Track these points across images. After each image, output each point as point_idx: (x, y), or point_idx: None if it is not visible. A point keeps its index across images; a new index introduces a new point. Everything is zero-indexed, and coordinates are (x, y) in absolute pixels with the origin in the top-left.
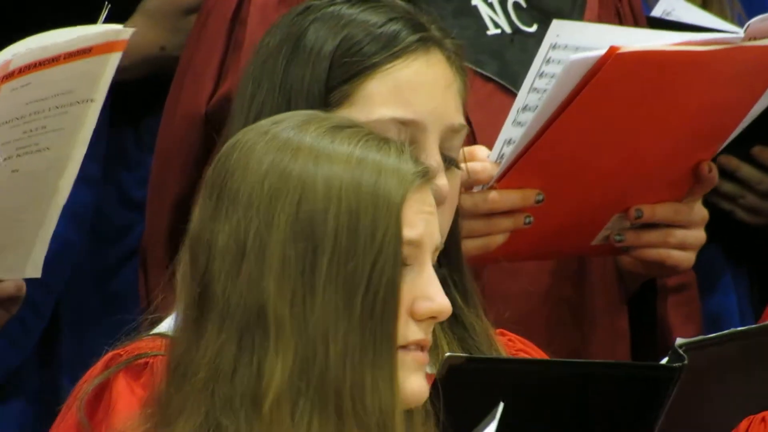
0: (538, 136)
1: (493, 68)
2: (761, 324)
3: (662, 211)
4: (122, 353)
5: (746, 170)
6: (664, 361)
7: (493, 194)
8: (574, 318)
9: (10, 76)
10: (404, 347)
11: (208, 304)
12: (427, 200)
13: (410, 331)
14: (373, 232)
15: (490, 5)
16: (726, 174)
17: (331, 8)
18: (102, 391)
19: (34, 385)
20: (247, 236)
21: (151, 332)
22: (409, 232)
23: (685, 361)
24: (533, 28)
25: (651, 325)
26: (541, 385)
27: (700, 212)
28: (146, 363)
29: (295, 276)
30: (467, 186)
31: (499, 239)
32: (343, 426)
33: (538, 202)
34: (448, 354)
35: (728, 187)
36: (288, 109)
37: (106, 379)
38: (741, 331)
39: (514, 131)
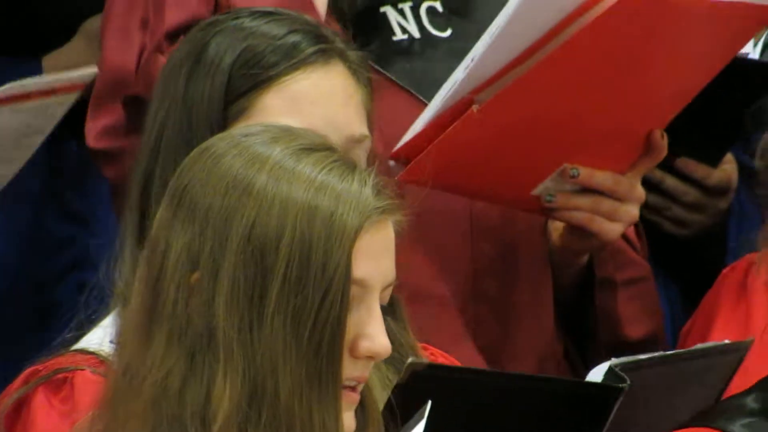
0: (518, 63)
1: (396, 72)
2: (692, 348)
3: (601, 177)
4: (41, 368)
5: (671, 182)
6: (599, 379)
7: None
8: (495, 314)
9: None
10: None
11: (158, 313)
12: (384, 236)
13: (349, 368)
14: (324, 265)
15: (401, 11)
16: (651, 186)
17: (234, 21)
18: (21, 406)
19: None
20: (201, 253)
21: (74, 347)
22: (358, 271)
23: (628, 382)
24: (447, 33)
25: (585, 320)
26: (493, 395)
27: (639, 190)
28: (65, 378)
29: (244, 301)
30: None
31: None
32: None
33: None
34: (411, 359)
35: (653, 199)
36: (189, 124)
37: (24, 395)
38: (674, 354)
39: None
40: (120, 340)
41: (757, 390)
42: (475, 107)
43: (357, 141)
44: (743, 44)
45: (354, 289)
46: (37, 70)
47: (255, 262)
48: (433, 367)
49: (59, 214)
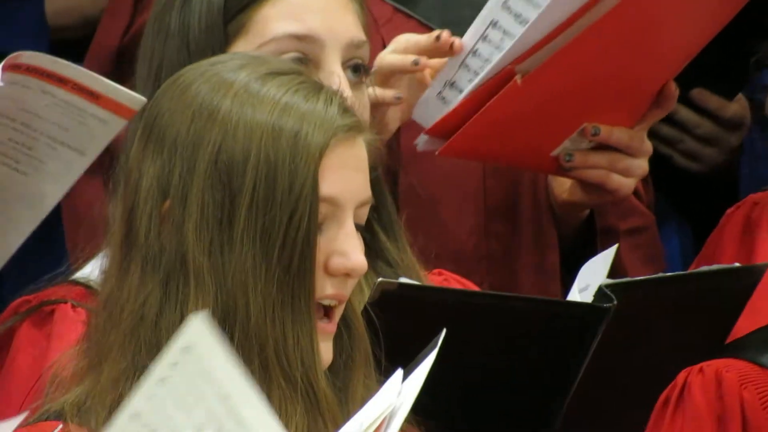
0: (557, 33)
1: (414, 7)
2: (690, 271)
3: (619, 134)
4: (32, 298)
5: (684, 113)
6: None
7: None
8: (504, 253)
9: (16, 68)
10: (317, 304)
11: (133, 244)
12: (353, 154)
13: (325, 286)
14: (291, 185)
15: None
16: (665, 117)
17: None
18: (8, 339)
19: None
20: (170, 180)
21: (69, 278)
22: (327, 189)
23: (614, 302)
24: None
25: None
26: (470, 316)
27: (648, 144)
28: (51, 310)
29: (213, 225)
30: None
31: None
32: (269, 379)
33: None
34: (380, 279)
35: (667, 130)
36: (188, 54)
37: (11, 327)
38: (670, 276)
39: (459, 75)
40: (104, 273)
41: None
42: (518, 77)
43: (357, 46)
44: None
45: (324, 207)
46: (38, 8)
47: (222, 186)
48: (403, 287)
49: None
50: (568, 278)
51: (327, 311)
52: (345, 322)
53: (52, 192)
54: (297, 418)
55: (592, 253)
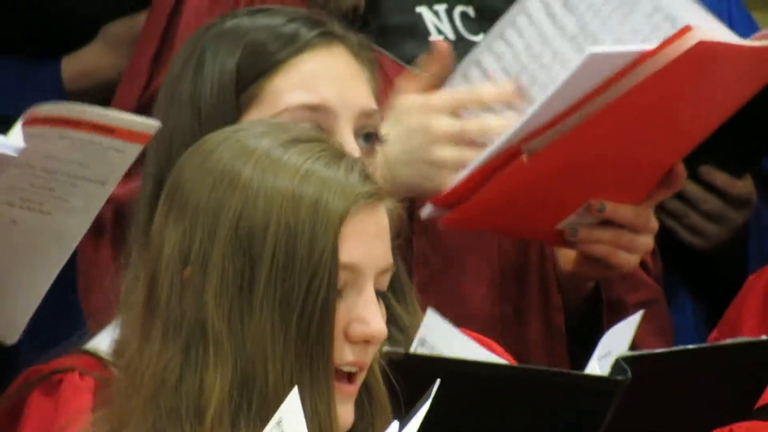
0: (567, 114)
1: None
2: (712, 344)
3: (624, 211)
4: (43, 369)
5: (691, 188)
6: (606, 372)
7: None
8: (514, 315)
9: (34, 122)
10: (338, 370)
11: (154, 310)
12: (373, 221)
13: (345, 353)
14: (311, 252)
15: (436, 13)
16: None
17: (233, 21)
18: (19, 407)
19: None
20: (191, 247)
21: (81, 348)
22: (347, 256)
23: (628, 375)
24: (479, 37)
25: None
26: (481, 387)
27: (654, 221)
28: (60, 380)
29: (233, 291)
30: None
31: None
32: None
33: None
34: (386, 348)
35: (672, 204)
36: (199, 120)
37: (20, 395)
38: (688, 349)
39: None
40: (122, 339)
41: None
42: (524, 156)
43: (368, 115)
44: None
45: (345, 274)
46: (55, 72)
47: (243, 253)
48: (410, 357)
49: None
50: (574, 348)
51: (349, 378)
52: (366, 389)
53: (77, 224)
54: None
55: (599, 325)
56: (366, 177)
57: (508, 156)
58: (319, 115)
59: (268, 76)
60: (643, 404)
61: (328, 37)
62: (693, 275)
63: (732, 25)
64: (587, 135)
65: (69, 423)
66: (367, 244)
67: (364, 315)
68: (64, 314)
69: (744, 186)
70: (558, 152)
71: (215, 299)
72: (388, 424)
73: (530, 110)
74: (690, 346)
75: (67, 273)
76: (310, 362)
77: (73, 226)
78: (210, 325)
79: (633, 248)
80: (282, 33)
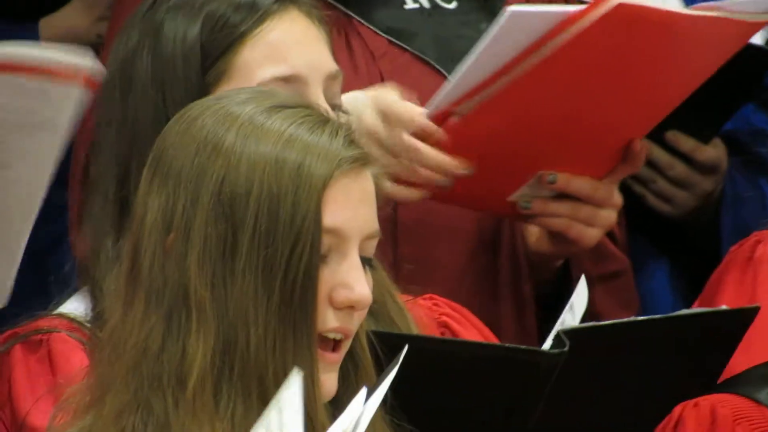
0: (498, 77)
1: (410, 41)
2: (660, 315)
3: (579, 183)
4: (20, 331)
5: (658, 153)
6: (547, 346)
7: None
8: (490, 287)
9: None
10: (322, 337)
11: (137, 278)
12: (358, 186)
13: (329, 318)
14: (293, 216)
15: None
16: None
17: None
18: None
19: None
20: (174, 214)
21: (53, 312)
22: (330, 220)
23: (566, 348)
24: (452, 5)
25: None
26: (430, 361)
27: (617, 196)
28: (41, 339)
29: (216, 257)
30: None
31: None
32: None
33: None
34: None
35: (641, 169)
36: (164, 102)
37: (2, 353)
38: (632, 321)
39: None
40: (104, 308)
41: None
42: (453, 118)
43: (334, 77)
44: (727, 57)
45: (329, 239)
46: (34, 34)
47: (225, 218)
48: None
49: (58, 181)
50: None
51: (334, 346)
52: (352, 358)
53: (37, 176)
54: None
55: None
56: (351, 142)
57: (438, 120)
58: (292, 85)
59: (234, 49)
60: (587, 376)
61: (284, 2)
62: (667, 242)
63: None
64: (517, 98)
65: (72, 378)
66: (351, 208)
67: (348, 280)
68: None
69: (711, 151)
70: (489, 116)
71: (198, 265)
72: None
73: (457, 72)
74: (638, 318)
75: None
76: (294, 328)
77: (33, 178)
78: (192, 291)
79: (593, 222)
80: (240, 3)
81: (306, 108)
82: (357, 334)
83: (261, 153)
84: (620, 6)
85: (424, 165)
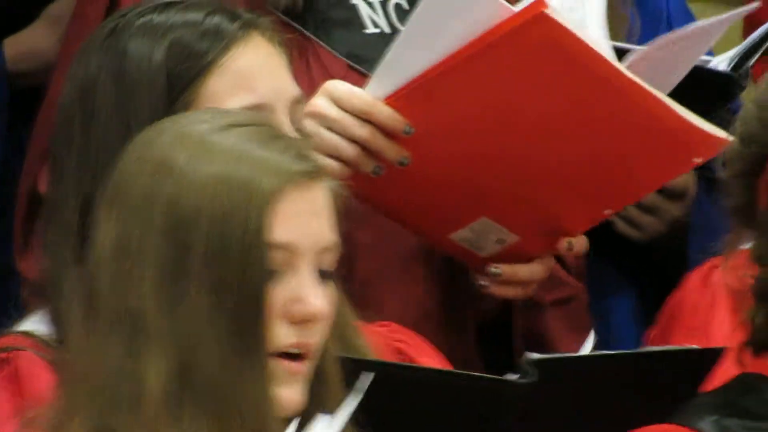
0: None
1: (370, 66)
2: (616, 352)
3: (525, 272)
4: None
5: None
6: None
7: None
8: (438, 314)
9: None
10: (281, 354)
11: (96, 305)
12: (309, 199)
13: (285, 334)
14: (243, 233)
15: (370, 5)
16: None
17: (142, 20)
18: None
19: None
20: (130, 239)
21: (18, 329)
22: (280, 235)
23: (534, 379)
24: None
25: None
26: (393, 388)
27: (550, 260)
28: (6, 357)
29: (169, 281)
30: None
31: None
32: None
33: (406, 133)
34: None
35: None
36: (129, 132)
37: None
38: (599, 354)
39: None
40: (68, 334)
41: (722, 388)
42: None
43: (298, 101)
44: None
45: (280, 254)
46: None
47: (176, 241)
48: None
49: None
50: (488, 353)
51: (297, 358)
52: (320, 372)
53: None
54: None
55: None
56: (302, 156)
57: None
58: (260, 114)
59: (201, 79)
60: (551, 407)
61: (247, 28)
62: (634, 268)
63: (669, 16)
64: (446, 93)
65: (40, 397)
66: (301, 222)
67: (301, 294)
68: None
69: (680, 178)
70: (418, 108)
71: (153, 289)
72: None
73: (384, 60)
74: (602, 352)
75: None
76: (247, 346)
77: None
78: (150, 316)
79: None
80: (205, 30)
81: (259, 125)
82: (326, 349)
83: (211, 172)
84: (542, 15)
85: (369, 138)
